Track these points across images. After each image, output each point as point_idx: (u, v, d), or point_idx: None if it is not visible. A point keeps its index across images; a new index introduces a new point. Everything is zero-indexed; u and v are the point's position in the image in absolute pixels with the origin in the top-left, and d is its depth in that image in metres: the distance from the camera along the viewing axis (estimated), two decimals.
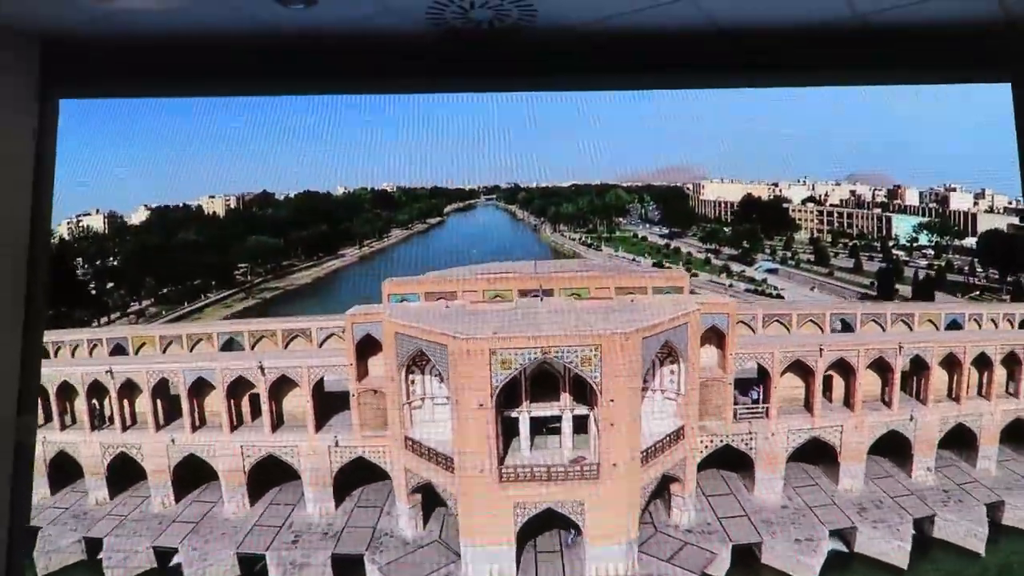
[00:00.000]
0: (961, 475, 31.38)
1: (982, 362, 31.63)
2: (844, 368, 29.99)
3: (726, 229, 75.71)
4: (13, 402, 15.64)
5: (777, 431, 27.96)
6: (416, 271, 38.53)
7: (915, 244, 76.77)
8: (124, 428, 30.22)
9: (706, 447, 27.52)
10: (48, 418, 30.74)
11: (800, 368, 29.35)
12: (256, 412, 29.66)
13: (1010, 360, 32.04)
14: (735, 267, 66.11)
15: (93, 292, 51.28)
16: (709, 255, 71.19)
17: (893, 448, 30.89)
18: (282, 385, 29.15)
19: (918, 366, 30.95)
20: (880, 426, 29.99)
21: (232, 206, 78.89)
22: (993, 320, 36.26)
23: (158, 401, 29.89)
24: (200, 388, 29.58)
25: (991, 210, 79.50)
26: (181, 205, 73.79)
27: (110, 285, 52.39)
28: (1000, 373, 32.07)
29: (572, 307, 26.12)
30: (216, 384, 28.59)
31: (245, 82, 15.94)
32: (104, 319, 48.07)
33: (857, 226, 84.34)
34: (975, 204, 71.22)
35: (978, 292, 59.13)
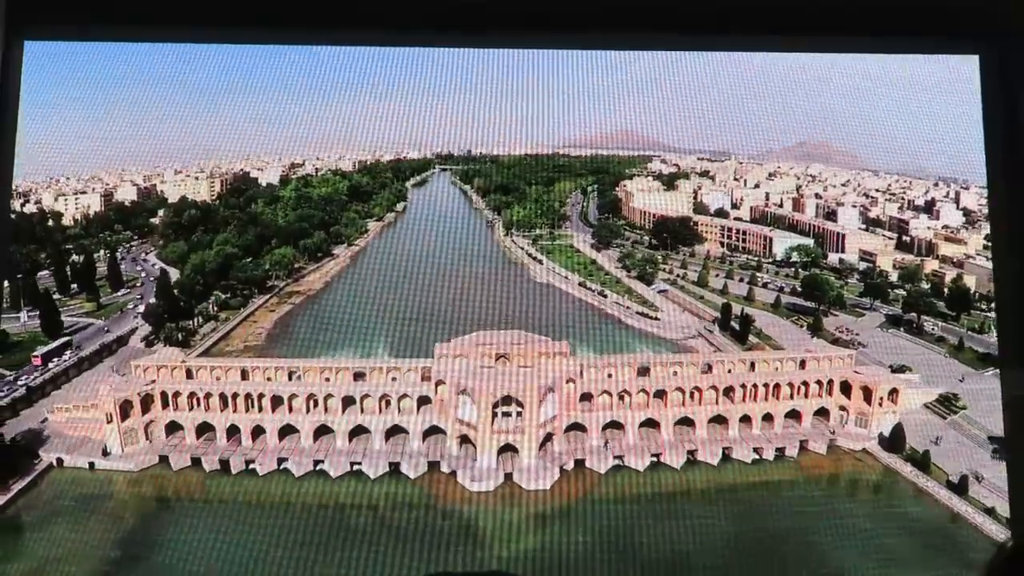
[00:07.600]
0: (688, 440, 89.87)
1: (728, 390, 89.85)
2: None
3: (638, 251, 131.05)
4: None
5: (595, 417, 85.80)
6: (399, 271, 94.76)
7: (789, 260, 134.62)
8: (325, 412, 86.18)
9: (567, 420, 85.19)
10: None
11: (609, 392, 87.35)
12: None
13: (728, 391, 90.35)
14: (638, 287, 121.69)
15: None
16: (624, 271, 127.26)
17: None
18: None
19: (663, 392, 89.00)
20: (643, 417, 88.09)
21: (216, 188, 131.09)
22: (749, 362, 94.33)
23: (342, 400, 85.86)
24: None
25: (876, 221, 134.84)
26: (193, 201, 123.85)
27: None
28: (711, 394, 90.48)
29: (518, 371, 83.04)
30: (372, 397, 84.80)
31: (220, 30, 17.41)
32: (192, 321, 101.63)
33: (749, 242, 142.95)
34: (867, 211, 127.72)
35: (796, 316, 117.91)
